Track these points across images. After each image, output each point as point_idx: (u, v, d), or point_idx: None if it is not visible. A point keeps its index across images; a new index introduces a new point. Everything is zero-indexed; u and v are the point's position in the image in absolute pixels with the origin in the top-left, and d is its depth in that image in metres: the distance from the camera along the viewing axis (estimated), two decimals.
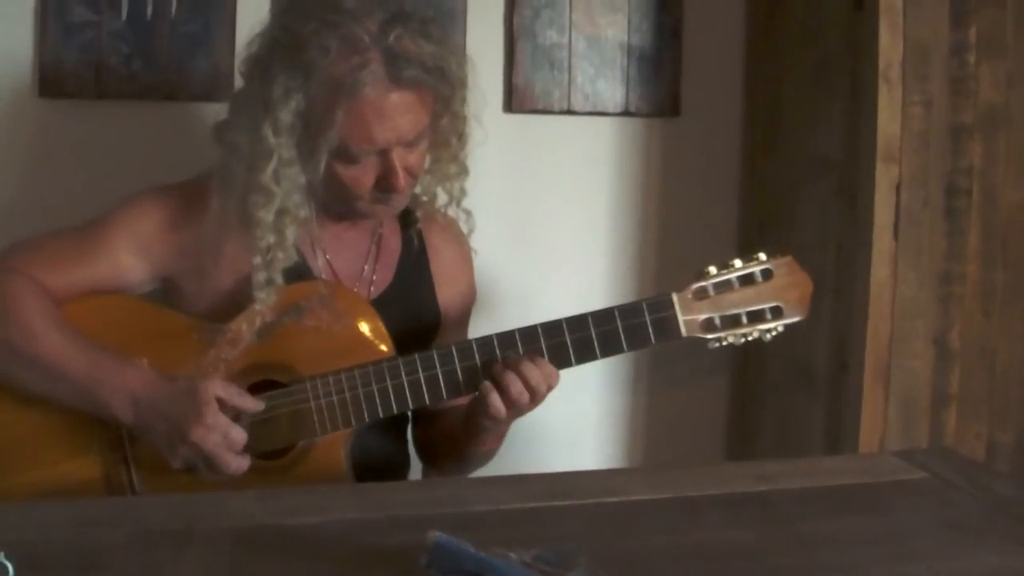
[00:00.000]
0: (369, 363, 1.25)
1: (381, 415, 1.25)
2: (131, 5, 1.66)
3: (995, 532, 0.97)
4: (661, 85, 1.89)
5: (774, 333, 1.26)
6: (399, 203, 1.32)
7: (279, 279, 1.26)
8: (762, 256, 1.25)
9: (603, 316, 1.24)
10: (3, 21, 1.64)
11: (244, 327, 1.26)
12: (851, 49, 1.59)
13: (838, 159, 1.64)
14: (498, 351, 1.23)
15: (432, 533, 0.80)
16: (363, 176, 1.25)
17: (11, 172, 1.68)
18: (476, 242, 1.47)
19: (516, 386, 1.20)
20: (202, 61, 1.69)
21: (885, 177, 1.53)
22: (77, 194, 1.59)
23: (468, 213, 1.42)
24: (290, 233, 1.27)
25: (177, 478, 1.23)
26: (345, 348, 1.27)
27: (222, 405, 1.20)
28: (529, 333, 1.24)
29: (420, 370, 1.24)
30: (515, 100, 1.83)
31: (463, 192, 1.39)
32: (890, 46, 1.51)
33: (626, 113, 1.88)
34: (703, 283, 1.24)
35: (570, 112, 1.86)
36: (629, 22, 1.87)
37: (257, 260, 1.26)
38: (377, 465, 1.36)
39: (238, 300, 1.28)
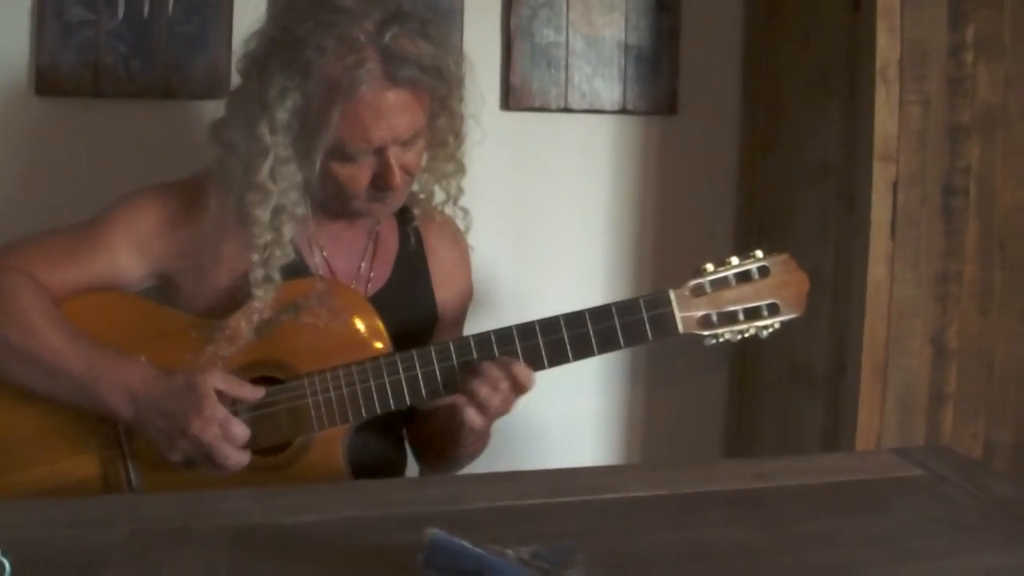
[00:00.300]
0: (367, 360, 1.25)
1: (379, 411, 1.25)
2: (128, 4, 1.67)
3: (992, 530, 0.97)
4: (658, 83, 1.89)
5: (771, 330, 1.26)
6: (396, 202, 1.32)
7: (277, 276, 1.27)
8: (759, 253, 1.26)
9: (600, 313, 1.24)
10: (0, 20, 1.64)
11: (242, 324, 1.26)
12: (849, 49, 1.60)
13: (836, 158, 1.64)
14: (495, 347, 1.23)
15: (430, 531, 0.79)
16: (359, 175, 1.25)
17: (8, 171, 1.68)
18: (473, 239, 1.47)
19: (483, 390, 1.20)
20: (199, 60, 1.69)
21: (882, 176, 1.53)
22: (74, 192, 1.59)
23: (465, 211, 1.42)
24: (287, 231, 1.27)
25: (174, 474, 1.23)
26: (343, 345, 1.27)
27: (221, 396, 1.20)
28: (526, 330, 1.24)
29: (417, 366, 1.24)
30: (512, 98, 1.83)
31: (460, 190, 1.39)
32: (888, 46, 1.52)
33: (623, 111, 1.88)
34: (700, 280, 1.25)
35: (567, 110, 1.86)
36: (627, 21, 1.87)
37: (255, 258, 1.26)
38: (375, 462, 1.36)
39: (236, 298, 1.28)
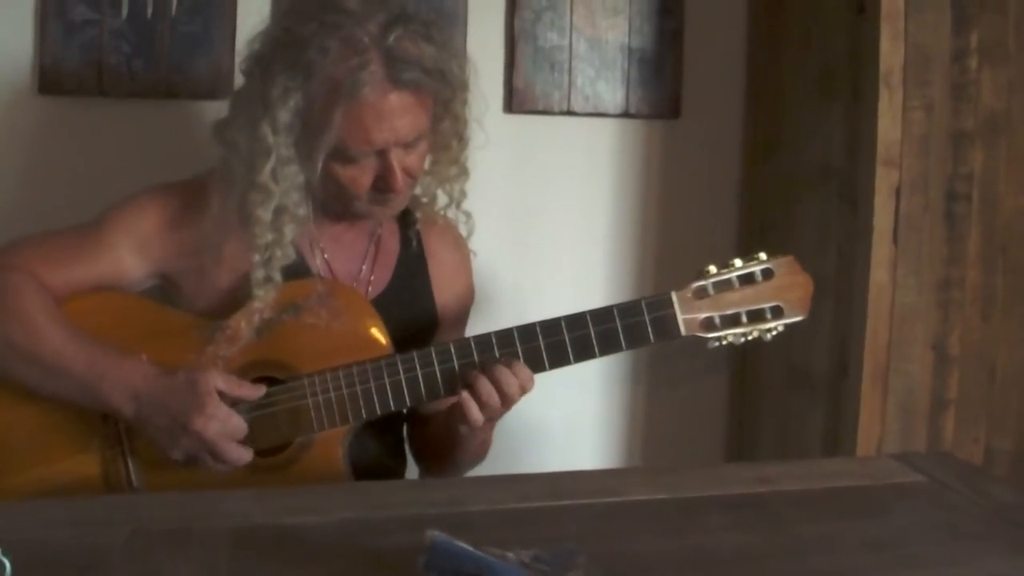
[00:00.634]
0: (367, 360, 1.25)
1: (379, 412, 1.25)
2: (131, 4, 1.67)
3: (993, 537, 0.97)
4: (661, 87, 1.89)
5: (774, 333, 1.25)
6: (397, 204, 1.32)
7: (278, 277, 1.27)
8: (762, 256, 1.25)
9: (602, 314, 1.23)
10: (4, 19, 1.64)
11: (243, 324, 1.26)
12: (852, 53, 1.60)
13: (838, 163, 1.64)
14: (496, 349, 1.23)
15: (430, 533, 0.79)
16: (361, 176, 1.25)
17: (11, 170, 1.68)
18: (474, 241, 1.47)
19: (486, 389, 1.20)
20: (202, 60, 1.69)
21: (885, 182, 1.53)
22: (77, 192, 1.59)
23: (468, 215, 1.42)
24: (288, 231, 1.27)
25: (175, 474, 1.23)
26: (344, 346, 1.27)
27: (222, 396, 1.20)
28: (528, 331, 1.24)
29: (418, 368, 1.24)
30: (515, 101, 1.83)
31: (463, 194, 1.39)
32: (891, 51, 1.52)
33: (626, 115, 1.88)
34: (703, 282, 1.24)
35: (570, 113, 1.86)
36: (630, 25, 1.87)
37: (256, 258, 1.26)
38: (375, 464, 1.36)
39: (237, 298, 1.28)
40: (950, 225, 1.57)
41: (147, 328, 1.30)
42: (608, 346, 1.24)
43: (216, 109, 1.34)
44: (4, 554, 0.78)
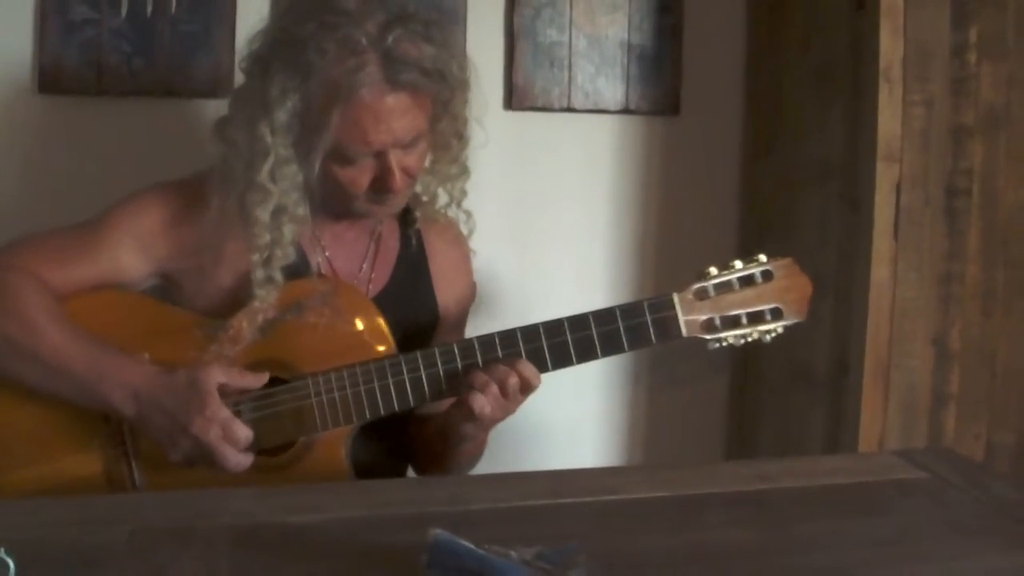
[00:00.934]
0: (371, 361, 1.25)
1: (382, 413, 1.25)
2: (131, 3, 1.67)
3: (994, 533, 0.98)
4: (661, 83, 1.89)
5: (773, 335, 1.26)
6: (396, 204, 1.32)
7: (278, 276, 1.26)
8: (762, 257, 1.25)
9: (604, 316, 1.24)
10: (4, 19, 1.64)
11: (245, 324, 1.26)
12: (852, 49, 1.59)
13: (838, 159, 1.64)
14: (499, 350, 1.23)
15: (433, 531, 0.80)
16: (359, 177, 1.25)
17: (11, 169, 1.68)
18: (474, 239, 1.47)
19: (491, 386, 1.20)
20: (202, 59, 1.69)
21: (885, 177, 1.53)
22: (77, 191, 1.59)
23: (468, 214, 1.42)
24: (288, 231, 1.26)
25: (178, 474, 1.23)
26: (346, 345, 1.27)
27: (225, 389, 1.20)
28: (531, 332, 1.24)
29: (422, 368, 1.24)
30: (515, 98, 1.83)
31: (464, 193, 1.39)
32: (891, 46, 1.52)
33: (626, 111, 1.88)
34: (704, 284, 1.24)
35: (570, 110, 1.86)
36: (630, 21, 1.87)
37: (255, 258, 1.26)
38: (378, 463, 1.36)
39: (239, 297, 1.28)
40: (950, 220, 1.57)
41: (149, 326, 1.30)
42: (610, 347, 1.24)
43: (216, 108, 1.34)
44: (7, 554, 0.78)
